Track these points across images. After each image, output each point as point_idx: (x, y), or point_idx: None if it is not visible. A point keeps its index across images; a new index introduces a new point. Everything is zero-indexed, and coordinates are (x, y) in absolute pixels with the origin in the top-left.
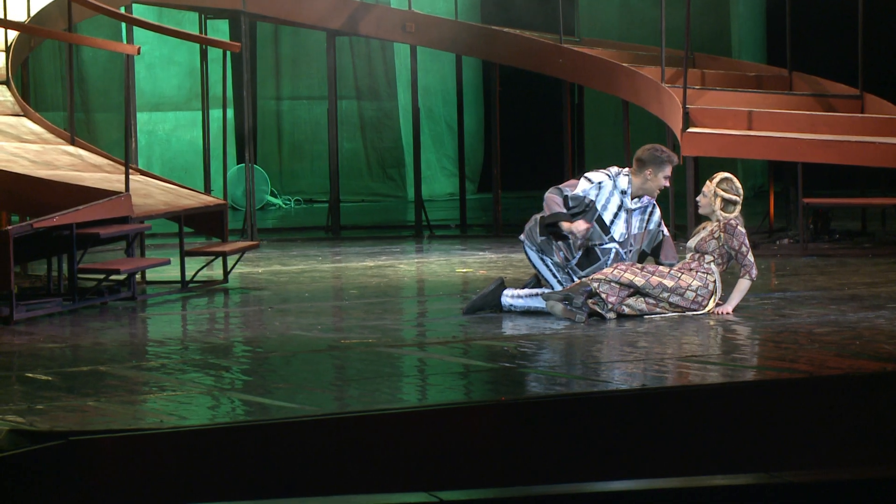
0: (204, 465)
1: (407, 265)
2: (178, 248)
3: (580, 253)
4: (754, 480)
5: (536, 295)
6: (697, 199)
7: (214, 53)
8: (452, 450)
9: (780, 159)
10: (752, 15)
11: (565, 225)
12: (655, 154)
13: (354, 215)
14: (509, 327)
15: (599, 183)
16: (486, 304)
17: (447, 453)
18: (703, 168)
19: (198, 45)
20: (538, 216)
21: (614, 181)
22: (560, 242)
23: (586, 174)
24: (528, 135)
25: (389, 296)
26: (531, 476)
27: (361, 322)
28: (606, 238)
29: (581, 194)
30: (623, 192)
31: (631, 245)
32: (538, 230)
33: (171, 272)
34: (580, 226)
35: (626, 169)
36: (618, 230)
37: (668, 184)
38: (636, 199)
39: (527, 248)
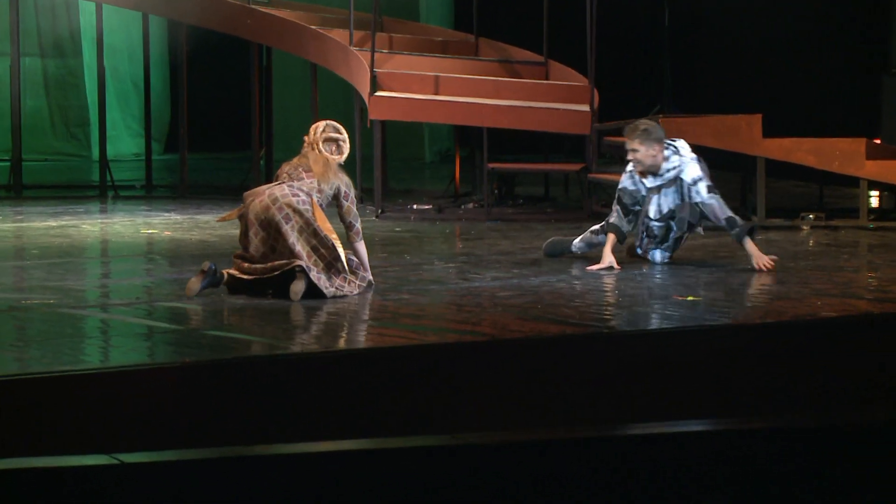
0: None
1: (91, 225)
2: None
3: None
4: (439, 442)
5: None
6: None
7: None
8: (135, 412)
9: (465, 124)
10: None
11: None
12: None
13: (38, 174)
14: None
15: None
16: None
17: (130, 415)
18: (391, 132)
19: None
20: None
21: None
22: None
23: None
24: (216, 96)
25: (72, 256)
26: (214, 438)
27: (43, 282)
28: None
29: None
30: (635, 177)
31: (679, 215)
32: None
33: None
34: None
35: None
36: (652, 210)
37: (630, 157)
38: (651, 178)
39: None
